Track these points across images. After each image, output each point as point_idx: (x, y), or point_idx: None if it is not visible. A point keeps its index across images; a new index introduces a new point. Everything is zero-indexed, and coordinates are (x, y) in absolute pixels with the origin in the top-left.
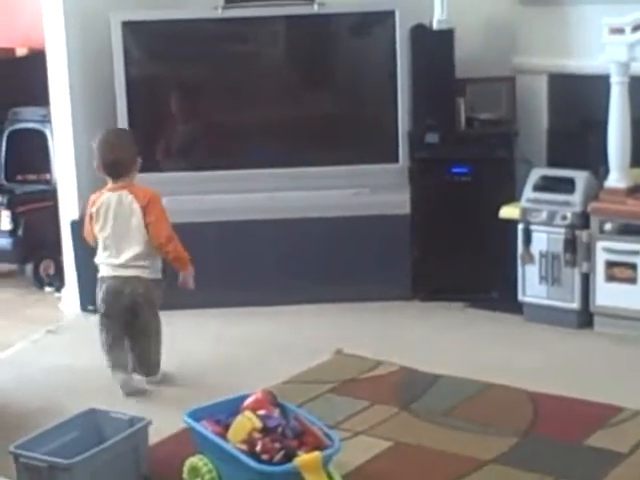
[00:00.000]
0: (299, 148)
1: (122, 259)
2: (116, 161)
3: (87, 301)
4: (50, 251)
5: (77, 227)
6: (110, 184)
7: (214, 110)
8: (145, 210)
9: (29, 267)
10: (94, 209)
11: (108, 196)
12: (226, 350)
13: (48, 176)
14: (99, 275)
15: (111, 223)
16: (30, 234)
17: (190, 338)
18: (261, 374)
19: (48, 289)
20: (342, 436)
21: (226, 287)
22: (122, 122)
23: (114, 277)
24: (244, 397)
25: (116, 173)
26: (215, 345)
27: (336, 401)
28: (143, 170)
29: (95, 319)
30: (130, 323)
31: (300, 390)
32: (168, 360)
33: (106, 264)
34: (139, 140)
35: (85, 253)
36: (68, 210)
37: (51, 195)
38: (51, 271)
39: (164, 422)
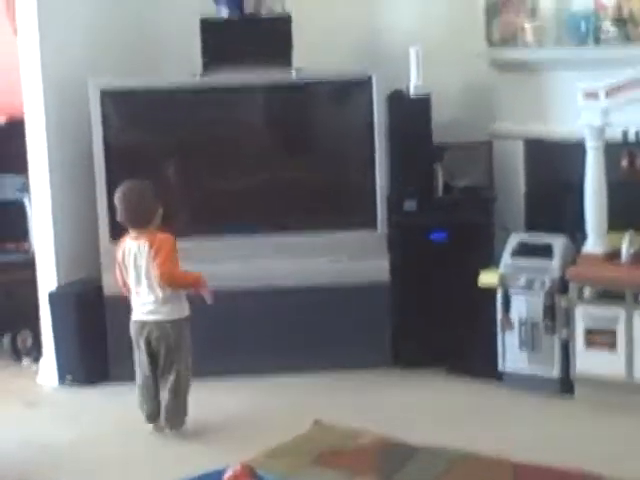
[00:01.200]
0: (277, 215)
1: (142, 303)
2: (135, 213)
3: (65, 372)
4: (28, 322)
5: (55, 298)
6: (132, 232)
7: (192, 177)
8: (155, 254)
9: (6, 338)
10: (120, 257)
11: (129, 244)
12: (200, 422)
13: (26, 245)
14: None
15: (132, 270)
16: (8, 304)
17: None
18: (238, 447)
19: (25, 361)
20: None
21: (198, 357)
22: (100, 189)
23: (136, 321)
24: (221, 472)
25: (136, 224)
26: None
27: (316, 473)
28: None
29: (71, 391)
30: (152, 369)
31: (280, 462)
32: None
33: (134, 308)
34: (115, 209)
35: (63, 324)
36: (46, 280)
37: (30, 265)
38: (29, 343)
39: None
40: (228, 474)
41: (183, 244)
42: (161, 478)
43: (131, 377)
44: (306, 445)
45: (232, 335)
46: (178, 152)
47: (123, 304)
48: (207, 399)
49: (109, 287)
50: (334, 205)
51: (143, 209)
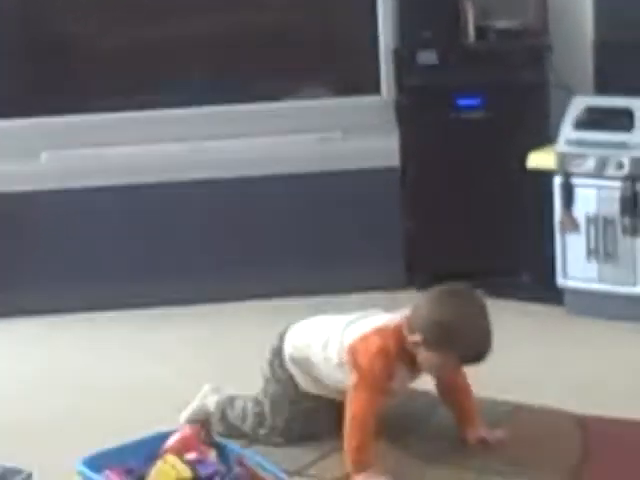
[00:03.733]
0: (239, 76)
1: None
2: None
3: None
4: None
5: None
6: None
7: (112, 24)
8: None
9: None
10: None
11: None
12: (138, 370)
13: None
14: None
15: None
16: None
17: (84, 354)
18: (191, 401)
19: None
20: None
21: (138, 279)
22: None
23: None
24: (165, 435)
25: None
26: (123, 363)
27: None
28: (9, 115)
29: None
30: None
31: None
32: (56, 383)
33: None
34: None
35: None
36: None
37: None
38: None
39: (54, 474)
40: (174, 439)
41: (101, 120)
42: (75, 445)
43: None
44: None
45: (179, 249)
46: None
47: None
48: (148, 337)
49: None
50: (320, 60)
51: None
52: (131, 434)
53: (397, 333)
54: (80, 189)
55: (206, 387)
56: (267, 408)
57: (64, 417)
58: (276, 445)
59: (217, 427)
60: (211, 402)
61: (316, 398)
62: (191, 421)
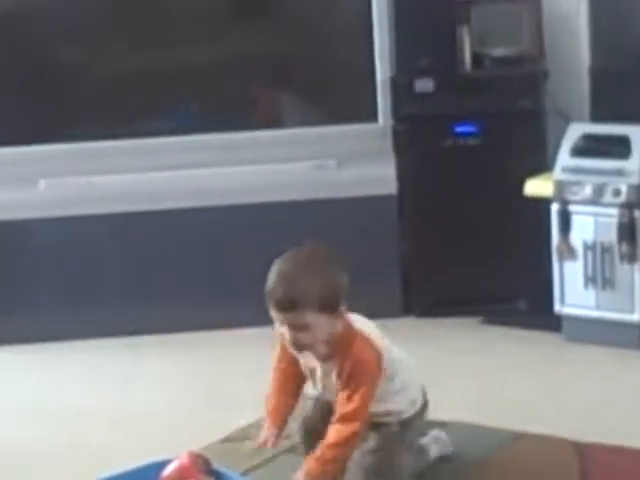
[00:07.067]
0: (235, 104)
1: None
2: None
3: None
4: None
5: None
6: None
7: (105, 52)
8: None
9: None
10: None
11: None
12: (135, 398)
13: None
14: None
15: None
16: None
17: (80, 383)
18: (187, 430)
19: None
20: None
21: (132, 307)
22: None
23: None
24: (162, 464)
25: None
26: (119, 391)
27: (299, 463)
28: (8, 143)
29: None
30: None
31: (245, 450)
32: (49, 411)
33: None
34: None
35: None
36: None
37: None
38: None
39: None
40: (171, 468)
41: (92, 148)
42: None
43: None
44: None
45: (172, 277)
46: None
47: None
48: (143, 365)
49: None
50: (316, 89)
51: None
52: (128, 463)
53: None
54: (78, 217)
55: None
56: None
57: (57, 445)
58: None
59: None
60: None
61: None
62: None
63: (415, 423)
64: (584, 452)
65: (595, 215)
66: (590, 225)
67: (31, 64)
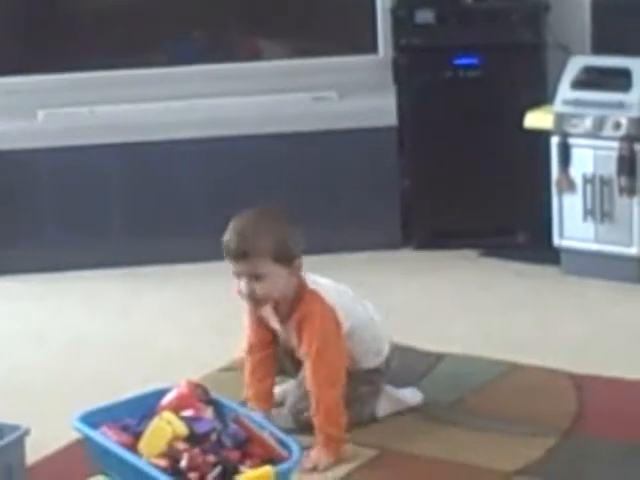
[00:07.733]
0: (234, 35)
1: None
2: None
3: None
4: None
5: None
6: None
7: None
8: None
9: None
10: None
11: None
12: (135, 327)
13: None
14: None
15: None
16: None
17: (82, 312)
18: (188, 358)
19: None
20: (307, 443)
21: (134, 237)
22: None
23: None
24: (161, 392)
25: None
26: (120, 320)
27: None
28: (6, 73)
29: None
30: None
31: (244, 380)
32: (52, 340)
33: None
34: None
35: None
36: None
37: None
38: None
39: (50, 431)
40: (170, 396)
41: (93, 78)
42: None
43: None
44: None
45: (175, 208)
46: None
47: None
48: (143, 296)
49: None
50: (316, 20)
51: None
52: (127, 391)
53: None
54: (77, 147)
55: None
56: None
57: (61, 374)
58: None
59: None
60: None
61: None
62: None
63: (381, 367)
64: (581, 383)
65: (595, 148)
66: (590, 158)
67: None
